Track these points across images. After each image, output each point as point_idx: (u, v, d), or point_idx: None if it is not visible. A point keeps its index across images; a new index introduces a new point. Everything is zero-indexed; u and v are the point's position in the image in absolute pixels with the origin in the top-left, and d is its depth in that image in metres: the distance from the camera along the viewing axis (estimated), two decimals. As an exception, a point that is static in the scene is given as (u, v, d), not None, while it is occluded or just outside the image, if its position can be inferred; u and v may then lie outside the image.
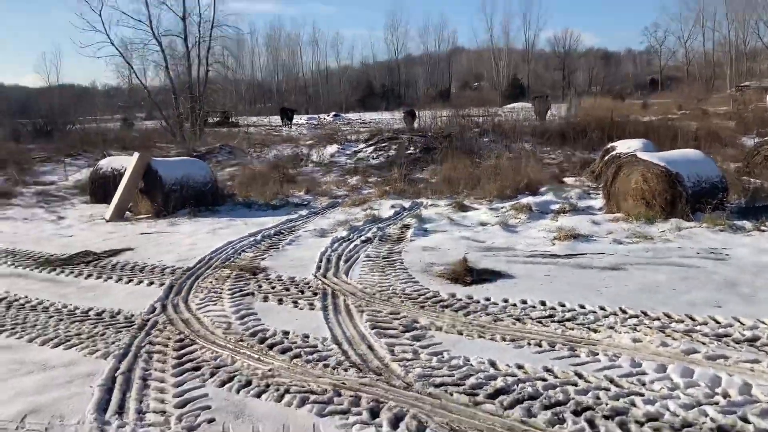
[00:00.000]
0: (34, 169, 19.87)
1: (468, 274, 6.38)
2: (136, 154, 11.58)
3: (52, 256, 8.42)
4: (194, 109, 23.64)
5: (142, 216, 11.40)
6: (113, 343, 4.87)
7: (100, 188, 12.94)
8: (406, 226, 9.30)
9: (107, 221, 11.06)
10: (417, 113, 27.06)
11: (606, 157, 12.76)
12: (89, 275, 7.28)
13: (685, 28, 72.94)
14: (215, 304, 5.80)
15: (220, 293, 6.15)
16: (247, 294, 6.08)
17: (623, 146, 12.79)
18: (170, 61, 24.13)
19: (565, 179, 13.29)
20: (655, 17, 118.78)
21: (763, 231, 7.75)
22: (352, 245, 8.12)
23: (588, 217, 9.26)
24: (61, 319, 5.59)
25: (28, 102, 36.60)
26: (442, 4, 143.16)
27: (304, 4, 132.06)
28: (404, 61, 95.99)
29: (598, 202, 10.39)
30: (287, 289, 6.21)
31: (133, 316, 5.60)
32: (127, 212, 11.62)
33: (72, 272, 7.47)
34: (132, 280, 6.95)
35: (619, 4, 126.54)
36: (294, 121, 39.04)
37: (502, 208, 10.36)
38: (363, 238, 8.54)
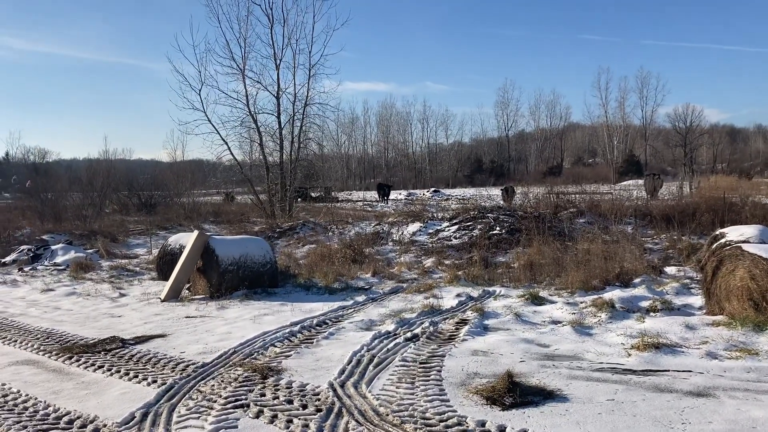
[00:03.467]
0: (128, 241, 20.39)
1: (509, 393, 5.19)
2: (195, 232, 11.23)
3: (81, 340, 7.99)
4: (284, 184, 23.71)
5: (197, 296, 10.93)
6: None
7: (166, 265, 12.68)
8: (464, 321, 8.16)
9: (162, 301, 10.66)
10: (515, 189, 25.91)
11: (713, 246, 11.03)
12: (99, 367, 6.70)
13: (822, 101, 67.71)
14: (198, 419, 4.94)
15: (213, 402, 5.30)
16: (241, 406, 5.19)
17: (735, 233, 10.97)
18: (265, 137, 24.49)
19: (667, 269, 11.63)
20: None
21: None
22: (392, 343, 7.09)
23: (682, 318, 7.75)
24: (24, 427, 4.93)
25: (147, 176, 38.59)
26: (555, 81, 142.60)
27: (416, 83, 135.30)
28: (515, 137, 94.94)
29: (698, 299, 8.83)
30: (290, 402, 5.27)
31: (104, 427, 4.85)
32: (185, 291, 11.21)
33: (86, 362, 6.93)
34: (137, 376, 6.28)
35: (744, 81, 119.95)
36: (392, 196, 38.75)
37: (582, 302, 9.00)
38: (410, 334, 7.49)
